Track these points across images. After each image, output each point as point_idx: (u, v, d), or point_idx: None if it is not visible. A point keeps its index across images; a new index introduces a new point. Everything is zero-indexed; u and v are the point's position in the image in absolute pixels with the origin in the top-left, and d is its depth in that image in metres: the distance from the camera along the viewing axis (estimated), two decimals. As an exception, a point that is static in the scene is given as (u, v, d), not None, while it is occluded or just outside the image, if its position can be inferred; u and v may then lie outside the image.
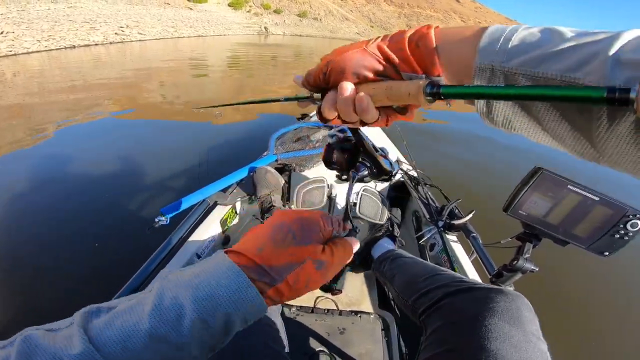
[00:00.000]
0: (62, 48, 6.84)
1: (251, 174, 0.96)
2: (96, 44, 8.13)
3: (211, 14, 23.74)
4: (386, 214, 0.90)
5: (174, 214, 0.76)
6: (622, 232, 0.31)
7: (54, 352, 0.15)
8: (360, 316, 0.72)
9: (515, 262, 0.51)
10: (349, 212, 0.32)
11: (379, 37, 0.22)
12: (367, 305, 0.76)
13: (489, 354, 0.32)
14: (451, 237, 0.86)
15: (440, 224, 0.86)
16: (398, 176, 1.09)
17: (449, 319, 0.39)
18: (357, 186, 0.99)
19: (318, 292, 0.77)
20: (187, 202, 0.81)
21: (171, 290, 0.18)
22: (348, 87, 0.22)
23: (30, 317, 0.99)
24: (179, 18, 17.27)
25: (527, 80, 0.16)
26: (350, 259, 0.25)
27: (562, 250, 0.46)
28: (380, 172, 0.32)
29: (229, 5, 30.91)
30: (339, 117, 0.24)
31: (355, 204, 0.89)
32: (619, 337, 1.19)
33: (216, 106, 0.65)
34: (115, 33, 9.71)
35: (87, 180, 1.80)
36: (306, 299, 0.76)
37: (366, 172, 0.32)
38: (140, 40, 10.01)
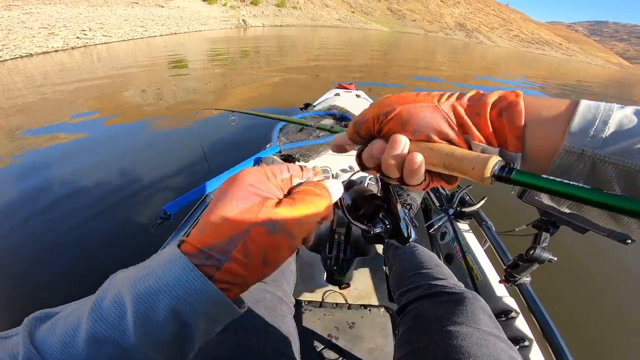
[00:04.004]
0: (17, 57, 6.51)
1: (257, 165, 0.96)
2: (56, 50, 7.73)
3: (184, 10, 23.06)
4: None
5: (177, 210, 0.75)
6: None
7: None
8: (369, 310, 0.72)
9: (532, 251, 0.49)
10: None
11: (452, 94, 0.20)
12: (376, 299, 0.76)
13: (454, 349, 0.35)
14: (462, 226, 0.85)
15: (451, 211, 0.85)
16: None
17: (415, 321, 0.45)
18: (363, 175, 0.99)
19: (326, 286, 0.77)
20: (189, 198, 0.80)
21: (113, 288, 0.17)
22: (402, 142, 0.19)
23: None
24: (148, 17, 16.68)
25: (616, 170, 0.15)
26: (329, 207, 0.21)
27: (581, 238, 0.45)
28: (395, 236, 0.29)
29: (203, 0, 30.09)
30: (378, 167, 0.21)
31: None
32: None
33: (230, 110, 0.59)
34: (77, 37, 9.25)
35: (84, 187, 1.81)
36: (314, 294, 0.76)
37: (380, 231, 0.28)
38: (105, 43, 9.62)
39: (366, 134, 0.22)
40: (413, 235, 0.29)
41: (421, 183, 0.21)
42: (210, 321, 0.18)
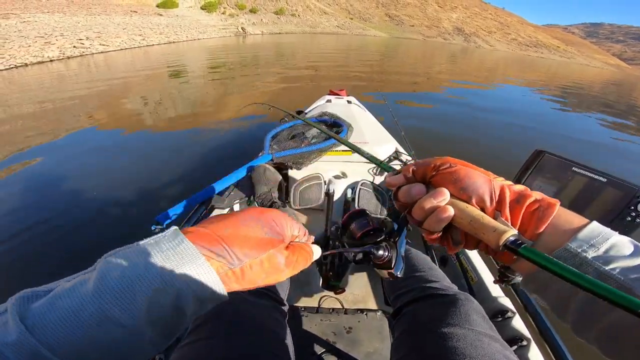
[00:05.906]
0: (12, 67, 6.60)
1: (249, 173, 0.97)
2: (51, 60, 7.80)
3: (183, 19, 23.58)
4: (386, 208, 0.91)
5: (170, 221, 0.76)
6: (634, 214, 0.30)
7: None
8: (366, 314, 0.73)
9: (522, 249, 0.53)
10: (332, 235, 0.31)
11: (506, 180, 0.24)
12: (372, 303, 0.77)
13: (450, 351, 0.36)
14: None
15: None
16: (397, 167, 1.11)
17: (411, 324, 0.46)
18: (355, 181, 1.01)
19: (322, 291, 0.78)
20: (182, 208, 0.81)
21: (119, 266, 0.17)
22: (446, 196, 0.22)
23: None
24: (147, 25, 17.02)
25: (594, 272, 0.19)
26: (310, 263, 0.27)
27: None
28: (384, 267, 0.31)
29: (202, 8, 30.89)
30: (407, 205, 0.25)
31: (353, 199, 0.89)
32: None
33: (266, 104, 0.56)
34: (74, 46, 9.41)
35: (75, 195, 1.83)
36: (310, 299, 0.77)
37: (381, 255, 0.30)
38: (102, 52, 9.80)
39: (420, 177, 0.25)
40: (399, 275, 0.30)
41: (435, 234, 0.24)
42: (203, 304, 0.20)
